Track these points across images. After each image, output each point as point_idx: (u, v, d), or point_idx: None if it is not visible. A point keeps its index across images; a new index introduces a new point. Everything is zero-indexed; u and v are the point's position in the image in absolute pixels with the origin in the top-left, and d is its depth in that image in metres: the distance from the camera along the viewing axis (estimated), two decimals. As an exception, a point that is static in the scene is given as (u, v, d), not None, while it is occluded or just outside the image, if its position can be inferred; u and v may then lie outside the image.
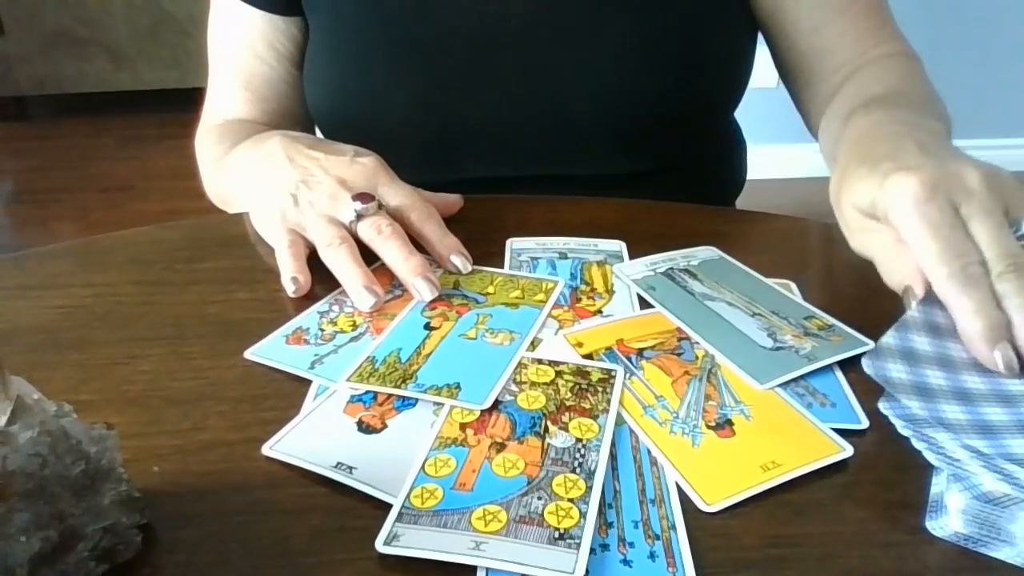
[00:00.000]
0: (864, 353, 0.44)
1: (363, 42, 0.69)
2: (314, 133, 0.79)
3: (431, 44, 0.68)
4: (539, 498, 0.36)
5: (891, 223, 0.44)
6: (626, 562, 0.33)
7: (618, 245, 0.58)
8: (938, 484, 0.37)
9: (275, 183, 0.56)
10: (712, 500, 0.36)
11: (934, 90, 0.65)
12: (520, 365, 0.45)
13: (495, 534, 0.34)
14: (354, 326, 0.48)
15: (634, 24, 0.66)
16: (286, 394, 0.43)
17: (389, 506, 0.35)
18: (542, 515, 0.35)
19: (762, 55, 0.74)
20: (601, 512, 0.35)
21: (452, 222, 0.61)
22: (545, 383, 0.43)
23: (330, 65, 0.70)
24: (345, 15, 0.69)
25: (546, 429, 0.40)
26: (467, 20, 0.67)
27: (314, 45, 0.71)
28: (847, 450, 0.39)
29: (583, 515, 0.35)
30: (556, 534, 0.34)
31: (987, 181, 0.43)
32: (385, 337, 0.47)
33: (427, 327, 0.48)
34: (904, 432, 0.38)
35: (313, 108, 0.73)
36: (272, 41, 0.73)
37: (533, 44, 0.67)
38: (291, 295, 0.51)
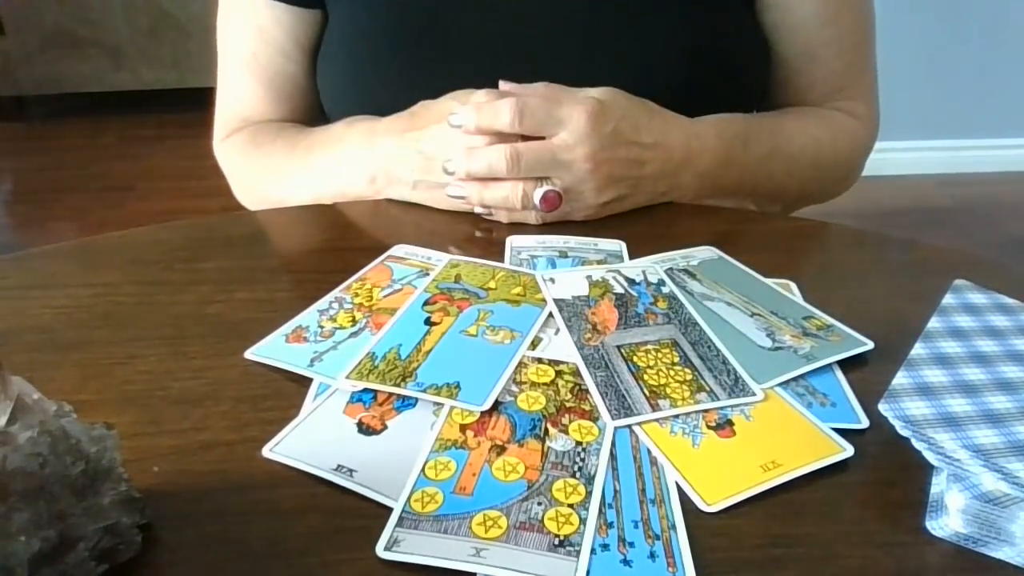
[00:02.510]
0: (863, 353, 0.45)
1: (380, 35, 0.68)
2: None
3: (451, 42, 0.68)
4: (539, 503, 0.36)
5: None
6: (626, 562, 0.33)
7: (618, 245, 0.58)
8: (938, 484, 0.37)
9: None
10: (712, 500, 0.36)
11: (825, 155, 0.71)
12: (520, 364, 0.45)
13: (495, 540, 0.34)
14: (353, 322, 0.48)
15: (654, 23, 0.66)
16: (286, 394, 0.43)
17: (389, 507, 0.35)
18: (542, 521, 0.35)
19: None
20: (601, 512, 0.35)
21: (452, 220, 0.61)
22: (545, 383, 0.43)
23: (346, 58, 0.70)
24: (365, 6, 0.68)
25: (546, 432, 0.40)
26: (489, 18, 0.67)
27: (331, 37, 0.71)
28: (847, 450, 0.39)
29: (583, 521, 0.35)
30: (556, 541, 0.34)
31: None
32: (385, 333, 0.47)
33: (427, 322, 0.48)
34: (904, 433, 0.38)
35: (326, 101, 0.73)
36: (298, 35, 0.72)
37: (554, 42, 0.67)
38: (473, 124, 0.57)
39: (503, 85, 0.60)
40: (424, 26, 0.68)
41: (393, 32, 0.68)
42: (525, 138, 0.57)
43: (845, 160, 0.75)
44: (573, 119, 0.56)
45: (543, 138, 0.57)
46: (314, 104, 0.75)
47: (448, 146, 0.59)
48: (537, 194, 0.57)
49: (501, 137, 0.57)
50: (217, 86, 0.77)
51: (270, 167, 0.70)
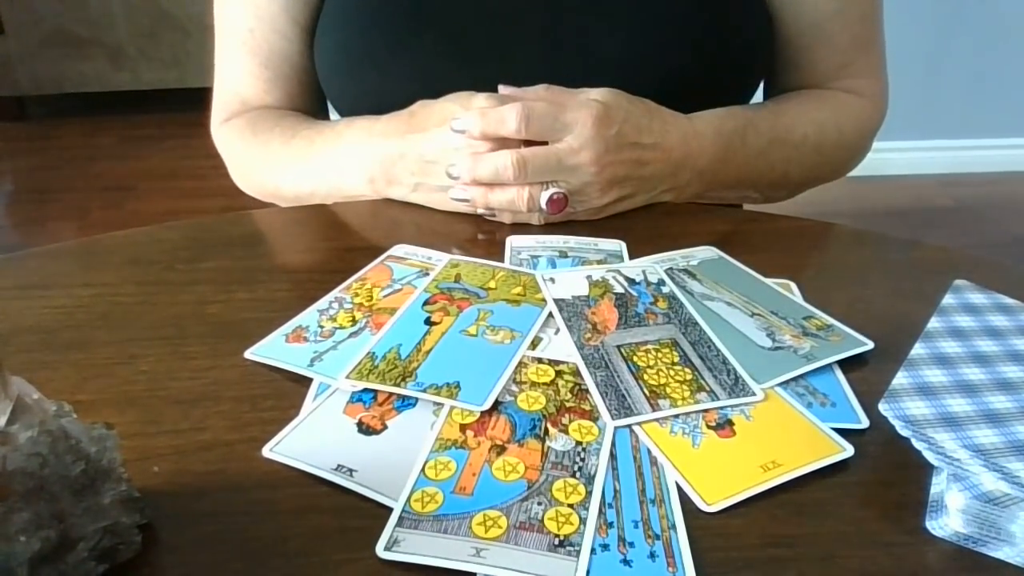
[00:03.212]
0: (863, 353, 0.45)
1: (373, 12, 0.68)
2: (327, 109, 0.79)
3: (444, 22, 0.67)
4: (539, 503, 0.36)
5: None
6: (626, 562, 0.33)
7: (618, 245, 0.58)
8: (938, 484, 0.37)
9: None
10: (712, 500, 0.36)
11: (829, 139, 0.71)
12: (520, 364, 0.45)
13: (495, 540, 0.34)
14: (353, 321, 0.48)
15: (657, 8, 0.66)
16: (286, 394, 0.43)
17: (389, 507, 0.35)
18: (542, 521, 0.35)
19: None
20: (601, 512, 0.35)
21: (452, 220, 0.61)
22: (545, 383, 0.43)
23: (339, 36, 0.70)
24: None
25: (546, 432, 0.40)
26: None
27: (326, 15, 0.70)
28: (847, 450, 0.39)
29: (583, 521, 0.35)
30: (556, 541, 0.34)
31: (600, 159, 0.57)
32: (385, 333, 0.47)
33: (427, 322, 0.48)
34: (904, 433, 0.38)
35: (323, 82, 0.72)
36: (294, 13, 0.71)
37: (550, 15, 0.67)
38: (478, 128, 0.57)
39: (503, 89, 0.60)
40: (416, 5, 0.67)
41: (386, 9, 0.68)
42: (527, 141, 0.57)
43: (851, 142, 0.74)
44: (578, 124, 0.56)
45: (546, 142, 0.57)
46: (314, 89, 0.75)
47: (450, 150, 0.59)
48: (543, 197, 0.57)
49: (504, 141, 0.57)
50: (215, 68, 0.75)
51: (267, 155, 0.70)
